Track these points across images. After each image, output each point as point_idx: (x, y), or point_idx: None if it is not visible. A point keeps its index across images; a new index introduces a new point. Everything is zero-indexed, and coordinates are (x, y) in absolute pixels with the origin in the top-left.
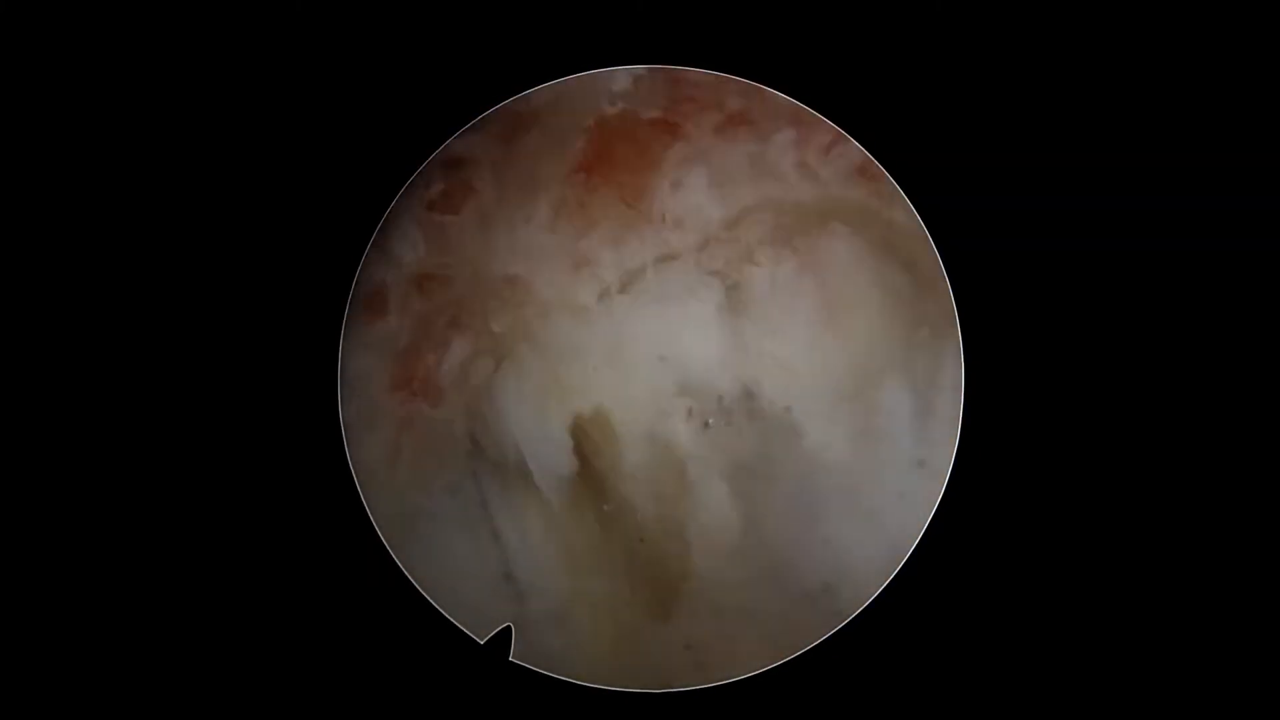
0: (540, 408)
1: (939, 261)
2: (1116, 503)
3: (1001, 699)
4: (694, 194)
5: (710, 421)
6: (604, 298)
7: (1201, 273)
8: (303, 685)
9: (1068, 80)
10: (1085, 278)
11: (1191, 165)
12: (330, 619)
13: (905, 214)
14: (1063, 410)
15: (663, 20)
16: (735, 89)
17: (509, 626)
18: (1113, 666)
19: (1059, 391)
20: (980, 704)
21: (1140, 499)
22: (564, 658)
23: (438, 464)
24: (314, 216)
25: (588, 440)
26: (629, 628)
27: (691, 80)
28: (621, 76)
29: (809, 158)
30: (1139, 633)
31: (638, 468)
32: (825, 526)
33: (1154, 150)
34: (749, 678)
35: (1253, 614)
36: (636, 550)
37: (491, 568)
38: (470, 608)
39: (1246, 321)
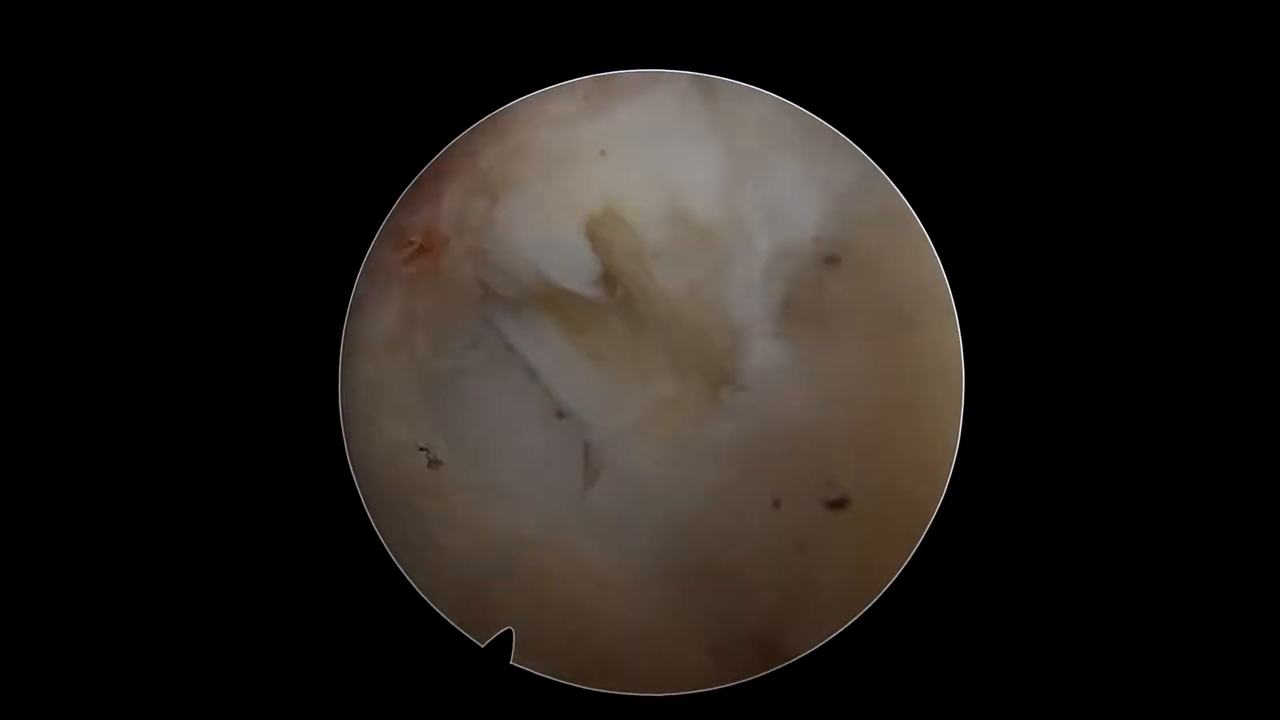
0: (548, 220)
1: None
2: (1118, 503)
3: (1001, 700)
4: None
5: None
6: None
7: (1202, 273)
8: (300, 683)
9: (1070, 80)
10: (1085, 279)
11: (1193, 166)
12: (327, 616)
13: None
14: (1063, 411)
15: (664, 21)
16: None
17: (509, 630)
18: (1112, 667)
19: (1059, 392)
20: (980, 705)
21: (1141, 499)
22: (648, 475)
23: (453, 321)
24: (317, 203)
25: (605, 234)
26: (690, 418)
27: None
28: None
29: None
30: (1139, 634)
31: (662, 248)
32: None
33: (1153, 150)
34: (747, 681)
35: (1253, 614)
36: (674, 339)
37: (540, 409)
38: (540, 466)
39: (1249, 323)
